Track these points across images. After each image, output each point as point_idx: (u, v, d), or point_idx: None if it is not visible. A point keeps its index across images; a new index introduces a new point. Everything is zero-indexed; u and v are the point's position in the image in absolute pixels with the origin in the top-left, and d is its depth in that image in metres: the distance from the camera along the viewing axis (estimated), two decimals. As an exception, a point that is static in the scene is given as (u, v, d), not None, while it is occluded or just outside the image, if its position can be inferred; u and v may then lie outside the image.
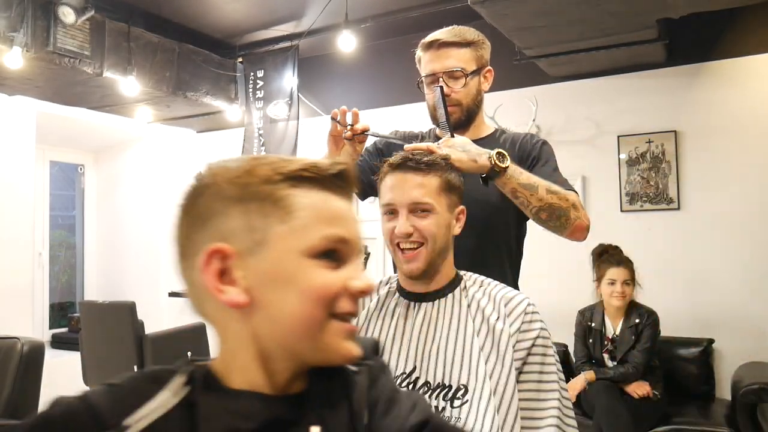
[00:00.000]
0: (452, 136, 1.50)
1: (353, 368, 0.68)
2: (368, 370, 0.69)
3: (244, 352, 0.62)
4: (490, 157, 1.41)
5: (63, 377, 3.49)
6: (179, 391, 0.61)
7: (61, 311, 5.33)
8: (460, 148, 1.42)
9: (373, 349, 0.74)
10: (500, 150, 1.43)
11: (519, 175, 1.45)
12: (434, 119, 1.68)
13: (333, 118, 1.50)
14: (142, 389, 0.61)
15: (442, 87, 1.54)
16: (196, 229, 0.61)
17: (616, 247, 3.21)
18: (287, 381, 0.63)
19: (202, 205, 0.61)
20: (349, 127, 1.49)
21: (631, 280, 3.10)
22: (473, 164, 1.40)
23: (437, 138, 1.61)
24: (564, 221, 1.48)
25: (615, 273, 3.08)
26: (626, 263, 3.11)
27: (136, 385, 0.62)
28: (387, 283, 1.38)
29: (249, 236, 0.60)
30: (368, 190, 1.71)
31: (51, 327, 5.05)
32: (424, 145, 1.36)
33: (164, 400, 0.60)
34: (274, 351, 0.62)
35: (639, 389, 3.00)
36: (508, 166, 1.42)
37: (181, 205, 0.63)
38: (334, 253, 0.62)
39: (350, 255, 0.64)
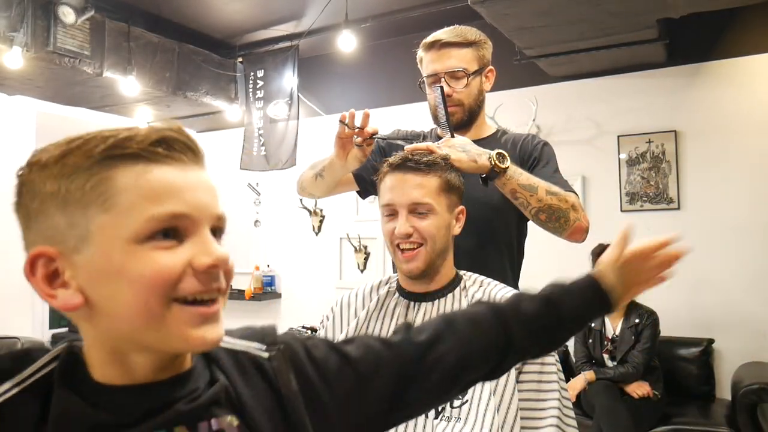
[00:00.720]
0: (452, 136, 1.50)
1: (264, 354, 0.67)
2: (281, 355, 0.68)
3: (98, 349, 0.60)
4: (490, 158, 1.41)
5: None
6: (28, 378, 0.58)
7: (61, 311, 5.32)
8: (459, 148, 1.41)
9: (272, 332, 0.71)
10: (500, 150, 1.43)
11: (519, 175, 1.44)
12: (436, 119, 1.68)
13: (341, 121, 1.47)
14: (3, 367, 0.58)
15: (442, 87, 1.54)
16: (24, 232, 0.59)
17: (616, 247, 3.21)
18: (154, 370, 0.60)
19: (23, 206, 0.58)
20: (357, 130, 1.47)
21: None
22: (473, 164, 1.40)
23: (438, 138, 1.61)
24: (563, 223, 1.48)
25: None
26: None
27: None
28: (387, 283, 1.38)
29: (71, 233, 0.56)
30: (370, 188, 1.71)
31: (51, 327, 5.03)
32: (423, 145, 1.36)
33: (11, 384, 0.57)
34: (124, 346, 0.59)
35: (639, 389, 3.00)
36: (508, 167, 1.42)
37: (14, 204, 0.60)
38: (173, 231, 0.56)
39: (193, 229, 0.57)
